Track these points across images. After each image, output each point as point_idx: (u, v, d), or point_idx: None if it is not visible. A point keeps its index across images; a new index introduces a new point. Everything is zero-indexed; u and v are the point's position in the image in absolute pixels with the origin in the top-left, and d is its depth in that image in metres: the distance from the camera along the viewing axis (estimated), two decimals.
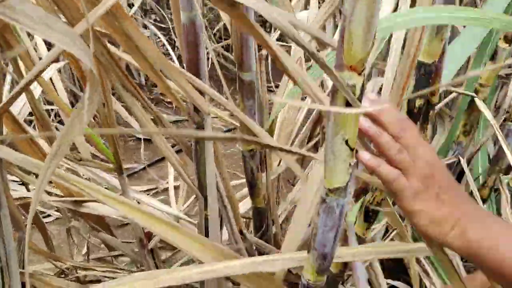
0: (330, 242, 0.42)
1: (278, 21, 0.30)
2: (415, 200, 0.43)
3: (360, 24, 0.30)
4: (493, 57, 0.92)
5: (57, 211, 1.35)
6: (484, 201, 1.06)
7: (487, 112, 0.93)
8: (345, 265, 0.71)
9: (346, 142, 0.36)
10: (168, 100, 2.03)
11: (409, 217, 0.44)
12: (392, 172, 0.42)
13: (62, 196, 0.76)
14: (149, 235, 0.78)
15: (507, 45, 0.88)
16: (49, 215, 1.40)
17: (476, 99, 0.95)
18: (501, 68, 1.05)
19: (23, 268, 0.55)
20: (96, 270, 0.84)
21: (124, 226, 1.44)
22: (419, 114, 0.64)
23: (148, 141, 1.74)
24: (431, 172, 0.43)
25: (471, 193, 1.00)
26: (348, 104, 0.33)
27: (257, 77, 0.64)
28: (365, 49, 0.31)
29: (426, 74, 0.59)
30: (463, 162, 0.99)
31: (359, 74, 0.32)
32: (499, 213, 1.02)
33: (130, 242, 1.29)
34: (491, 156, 1.09)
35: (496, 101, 1.21)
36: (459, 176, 1.04)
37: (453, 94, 1.10)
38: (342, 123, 0.35)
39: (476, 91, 0.94)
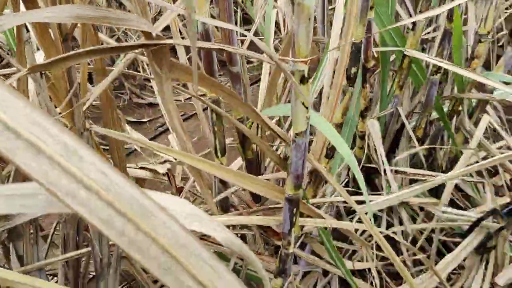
0: (300, 167, 0.66)
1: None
2: None
3: (303, 36, 0.54)
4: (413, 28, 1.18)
5: None
6: (419, 140, 1.34)
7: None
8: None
9: (303, 103, 0.60)
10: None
11: None
12: None
13: None
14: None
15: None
16: None
17: (407, 51, 1.21)
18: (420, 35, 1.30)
19: None
20: None
21: None
22: (355, 78, 0.89)
23: None
24: None
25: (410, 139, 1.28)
26: (301, 81, 0.58)
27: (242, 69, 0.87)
28: (307, 50, 0.55)
29: (356, 49, 0.84)
30: (401, 111, 1.26)
31: (305, 63, 0.56)
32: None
33: None
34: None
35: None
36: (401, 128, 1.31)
37: (392, 57, 1.36)
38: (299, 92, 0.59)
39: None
